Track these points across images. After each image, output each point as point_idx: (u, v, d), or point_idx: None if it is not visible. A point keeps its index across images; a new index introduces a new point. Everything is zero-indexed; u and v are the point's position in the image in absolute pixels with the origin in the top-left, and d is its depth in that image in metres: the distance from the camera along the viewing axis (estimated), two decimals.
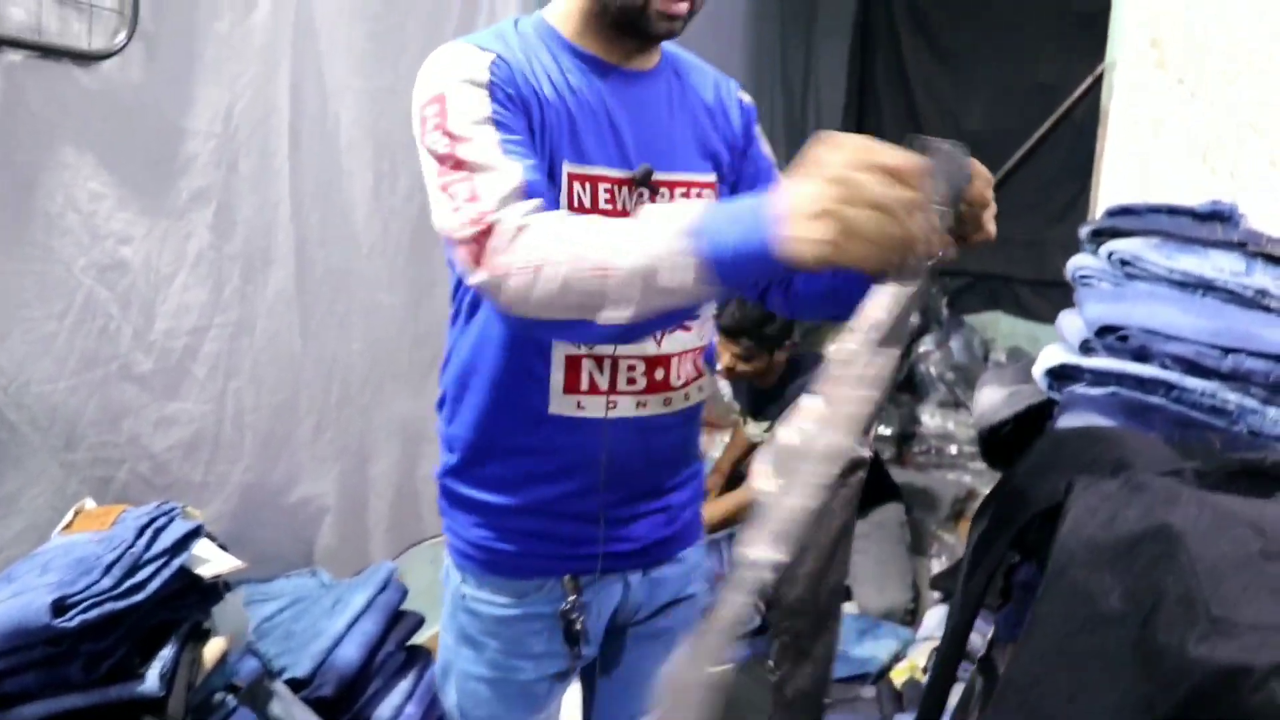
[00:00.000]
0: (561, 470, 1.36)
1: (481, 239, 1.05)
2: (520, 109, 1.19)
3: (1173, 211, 2.67)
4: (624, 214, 1.27)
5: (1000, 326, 5.28)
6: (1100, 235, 2.36)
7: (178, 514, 1.83)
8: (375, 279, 2.54)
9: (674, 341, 1.38)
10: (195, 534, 1.80)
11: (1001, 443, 1.90)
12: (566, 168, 1.24)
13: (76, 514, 1.85)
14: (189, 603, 1.76)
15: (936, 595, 3.14)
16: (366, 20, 2.44)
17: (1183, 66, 2.83)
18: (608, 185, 1.27)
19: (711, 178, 1.39)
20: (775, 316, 2.83)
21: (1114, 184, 3.00)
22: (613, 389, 1.34)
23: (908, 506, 3.66)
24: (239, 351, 2.24)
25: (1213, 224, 2.59)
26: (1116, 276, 2.17)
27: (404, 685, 2.22)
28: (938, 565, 3.52)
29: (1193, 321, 1.88)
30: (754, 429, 3.11)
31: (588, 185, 1.26)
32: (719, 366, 2.86)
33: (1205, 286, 2.10)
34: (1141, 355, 1.81)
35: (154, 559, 1.74)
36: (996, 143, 5.04)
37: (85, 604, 1.54)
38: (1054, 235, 4.94)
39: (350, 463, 2.55)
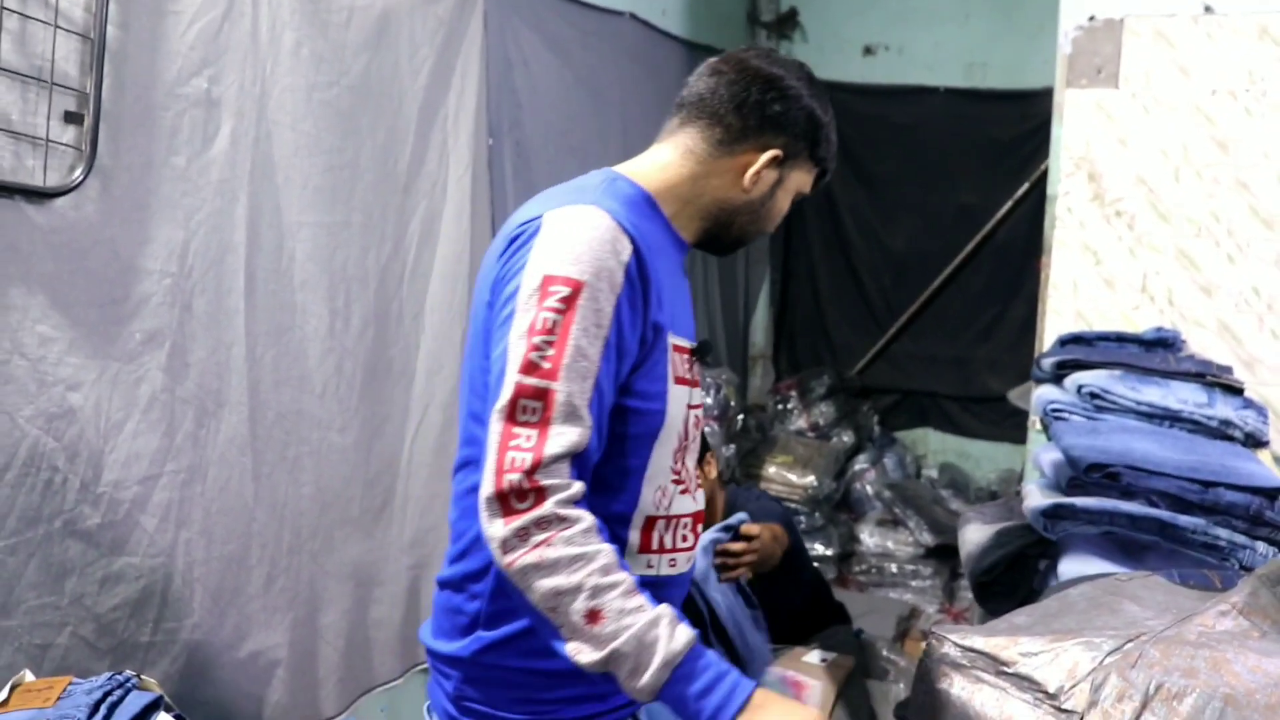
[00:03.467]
0: None
1: (519, 500, 1.15)
2: (639, 307, 1.28)
3: (1121, 339, 2.74)
4: (695, 382, 1.43)
5: (930, 442, 5.35)
6: (1063, 367, 2.40)
7: (134, 685, 1.69)
8: (328, 420, 2.45)
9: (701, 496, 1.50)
10: (155, 707, 1.67)
11: (993, 582, 1.89)
12: (671, 339, 1.37)
13: (14, 689, 1.69)
14: None
15: None
16: (322, 154, 2.39)
17: (1119, 199, 2.95)
18: (686, 357, 1.41)
19: None
20: None
21: (1058, 310, 3.09)
22: (674, 547, 1.42)
23: (856, 630, 3.60)
24: (190, 500, 2.12)
25: (1159, 350, 2.66)
26: (1087, 409, 2.19)
27: None
28: (895, 691, 3.45)
29: (1171, 456, 1.90)
30: None
31: (683, 356, 1.40)
32: None
33: (1172, 418, 2.14)
34: (1128, 492, 1.82)
35: None
36: (920, 263, 5.19)
37: None
38: (979, 353, 5.06)
39: (302, 612, 2.42)
